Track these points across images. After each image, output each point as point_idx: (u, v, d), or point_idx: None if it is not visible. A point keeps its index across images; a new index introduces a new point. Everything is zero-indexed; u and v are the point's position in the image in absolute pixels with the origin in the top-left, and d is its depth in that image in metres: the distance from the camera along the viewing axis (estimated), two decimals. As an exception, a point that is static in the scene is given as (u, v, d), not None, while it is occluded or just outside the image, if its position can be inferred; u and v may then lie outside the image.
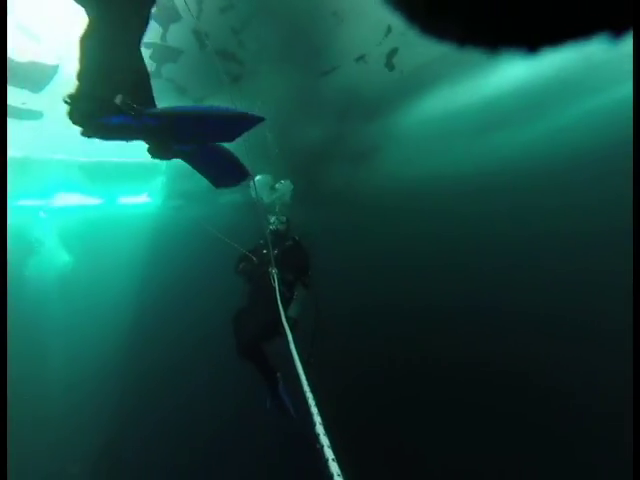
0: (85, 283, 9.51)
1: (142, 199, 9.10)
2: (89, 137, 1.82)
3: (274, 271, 3.32)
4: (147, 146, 2.14)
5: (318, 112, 6.85)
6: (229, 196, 8.77)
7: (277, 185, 4.24)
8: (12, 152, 6.19)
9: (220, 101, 5.55)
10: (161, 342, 8.24)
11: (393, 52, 5.42)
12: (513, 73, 6.41)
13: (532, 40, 0.32)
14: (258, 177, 4.10)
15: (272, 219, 3.94)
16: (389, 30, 4.91)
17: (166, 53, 4.97)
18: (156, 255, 9.98)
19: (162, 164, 7.79)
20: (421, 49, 5.21)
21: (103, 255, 9.75)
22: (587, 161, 8.50)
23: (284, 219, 3.99)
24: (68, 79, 1.75)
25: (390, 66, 5.75)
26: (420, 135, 8.11)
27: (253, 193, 3.23)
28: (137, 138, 2.06)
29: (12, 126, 5.58)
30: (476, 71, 6.21)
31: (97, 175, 7.60)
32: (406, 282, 8.11)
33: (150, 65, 5.05)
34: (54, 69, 4.72)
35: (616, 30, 0.31)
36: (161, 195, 9.11)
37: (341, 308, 6.51)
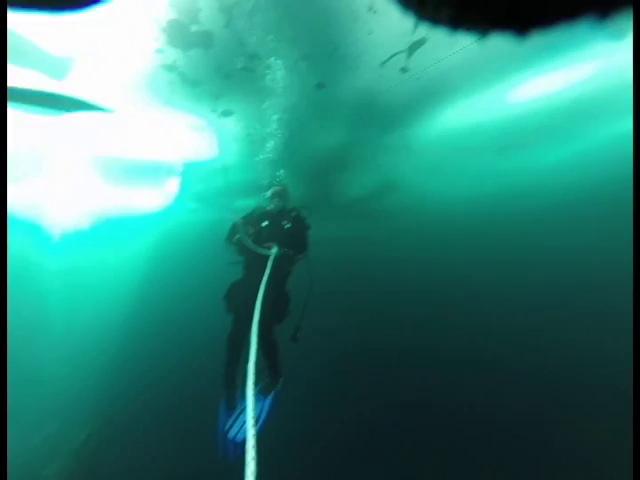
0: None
1: (157, 201, 9.13)
2: None
3: (272, 252, 3.16)
4: None
5: (332, 116, 6.75)
6: (244, 201, 8.77)
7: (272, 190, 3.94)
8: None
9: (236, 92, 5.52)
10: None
11: (413, 56, 5.17)
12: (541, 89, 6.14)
13: (519, 20, 0.32)
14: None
15: (267, 194, 3.78)
16: (412, 31, 4.67)
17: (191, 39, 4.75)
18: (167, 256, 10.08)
19: (178, 165, 7.84)
20: (442, 52, 5.00)
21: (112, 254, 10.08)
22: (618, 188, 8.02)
23: (277, 189, 3.75)
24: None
25: (408, 72, 5.51)
26: (437, 149, 7.89)
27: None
28: None
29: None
30: (499, 82, 5.97)
31: (112, 172, 7.71)
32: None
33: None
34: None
35: (604, 10, 0.30)
36: (177, 198, 9.17)
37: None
